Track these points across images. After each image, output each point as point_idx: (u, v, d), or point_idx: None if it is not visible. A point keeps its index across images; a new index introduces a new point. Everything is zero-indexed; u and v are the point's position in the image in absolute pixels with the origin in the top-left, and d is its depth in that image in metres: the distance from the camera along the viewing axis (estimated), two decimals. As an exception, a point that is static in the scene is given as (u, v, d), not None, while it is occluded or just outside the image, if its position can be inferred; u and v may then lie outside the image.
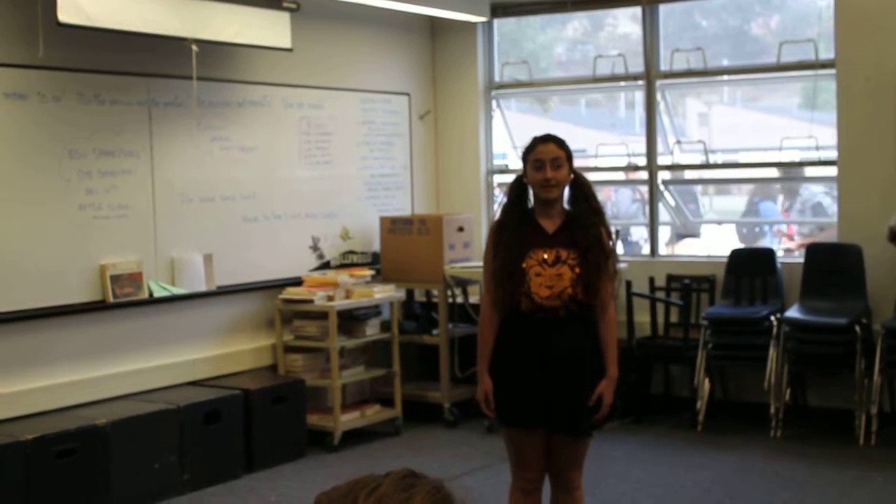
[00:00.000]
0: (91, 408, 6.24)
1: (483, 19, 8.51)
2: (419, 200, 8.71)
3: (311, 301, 7.23)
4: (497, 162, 8.94)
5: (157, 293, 6.68)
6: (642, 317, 7.88)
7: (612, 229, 4.73)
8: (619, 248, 8.62)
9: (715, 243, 8.54)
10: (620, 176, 8.91)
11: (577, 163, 4.61)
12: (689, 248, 8.62)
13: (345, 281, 7.45)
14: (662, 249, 8.40)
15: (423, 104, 8.78)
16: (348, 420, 7.35)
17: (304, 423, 7.10)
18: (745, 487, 6.25)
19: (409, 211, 8.53)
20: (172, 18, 6.30)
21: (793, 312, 7.29)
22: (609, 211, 8.95)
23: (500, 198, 8.44)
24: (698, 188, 8.80)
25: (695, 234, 8.69)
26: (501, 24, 8.88)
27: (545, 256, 4.39)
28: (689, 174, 8.55)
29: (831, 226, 7.80)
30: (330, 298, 7.26)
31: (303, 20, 7.32)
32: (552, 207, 4.48)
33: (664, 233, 8.49)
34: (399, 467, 1.37)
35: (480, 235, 8.08)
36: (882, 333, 6.97)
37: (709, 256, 8.22)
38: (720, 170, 8.53)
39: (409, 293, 8.29)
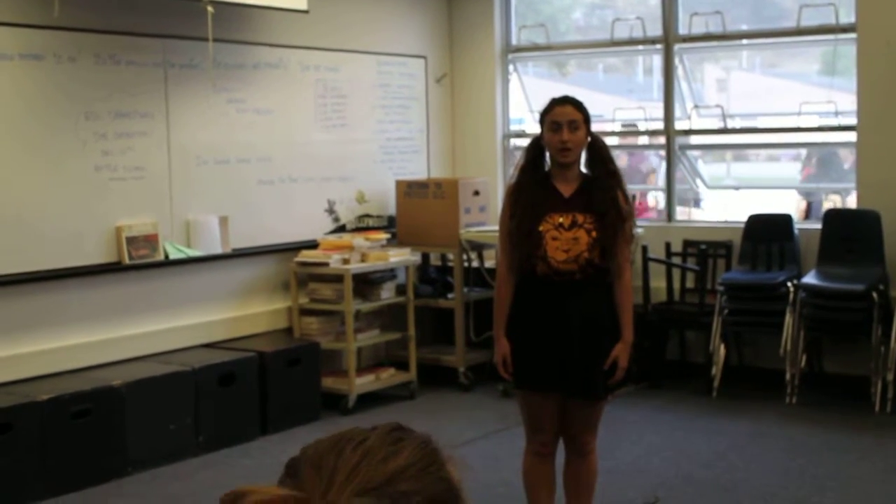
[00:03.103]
0: (106, 369, 6.27)
1: (501, -18, 8.46)
2: (435, 164, 8.69)
3: (326, 264, 7.23)
4: (513, 126, 8.90)
5: (173, 255, 6.69)
6: (658, 282, 7.86)
7: (630, 193, 4.70)
8: (651, 213, 8.59)
9: (733, 209, 8.49)
10: (637, 141, 8.85)
11: (595, 127, 4.57)
12: (705, 214, 8.57)
13: (360, 244, 7.44)
14: (664, 216, 8.38)
15: (440, 67, 8.74)
16: (363, 383, 7.36)
17: (318, 386, 7.11)
18: (760, 453, 6.25)
19: (425, 175, 8.51)
20: (188, -21, 6.27)
21: (810, 279, 7.25)
22: (636, 176, 8.93)
23: (517, 160, 8.39)
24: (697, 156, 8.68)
25: (696, 203, 8.66)
26: (519, -13, 8.83)
27: (561, 220, 4.37)
28: (706, 139, 8.48)
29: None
30: (345, 262, 7.26)
31: (319, -18, 7.28)
32: (568, 170, 4.45)
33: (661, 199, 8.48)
34: (386, 422, 1.36)
35: (496, 199, 8.05)
36: (899, 300, 6.95)
37: (725, 222, 8.18)
38: (738, 135, 8.47)
39: (425, 257, 8.28)
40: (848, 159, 8.03)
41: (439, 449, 1.30)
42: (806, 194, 8.44)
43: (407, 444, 1.27)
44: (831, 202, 8.16)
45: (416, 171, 8.46)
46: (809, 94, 8.10)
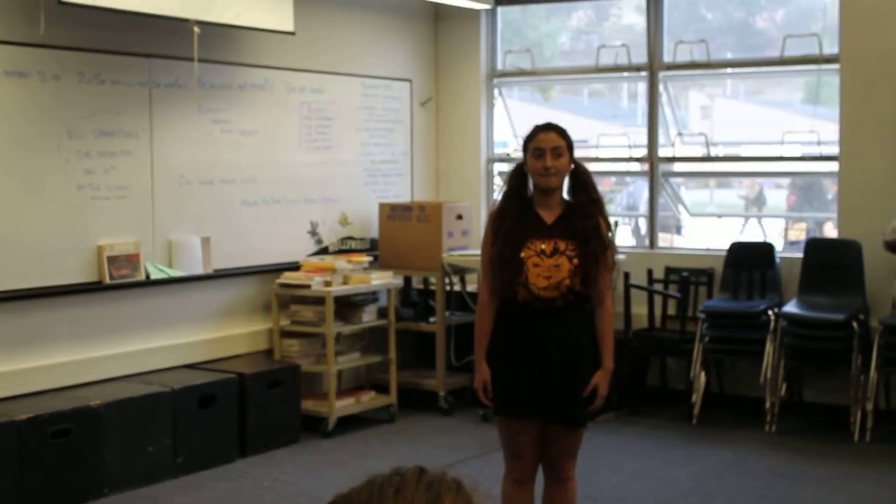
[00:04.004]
0: (86, 389, 6.23)
1: (487, 7, 8.48)
2: (419, 187, 8.69)
3: (308, 286, 7.22)
4: (498, 150, 8.92)
5: (154, 275, 6.66)
6: (640, 309, 7.87)
7: (612, 220, 4.71)
8: (629, 240, 8.60)
9: (713, 237, 8.53)
10: (621, 167, 8.87)
11: (578, 153, 4.58)
12: (687, 241, 8.60)
13: (342, 267, 7.43)
14: (644, 242, 8.41)
15: (425, 91, 8.75)
16: (343, 406, 7.34)
17: (298, 409, 7.09)
18: (739, 481, 6.25)
19: (409, 198, 8.51)
20: (174, -1, 6.27)
21: (791, 307, 7.27)
22: (625, 202, 8.96)
23: (500, 186, 8.42)
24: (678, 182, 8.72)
25: (678, 230, 8.70)
26: (505, 12, 8.85)
27: (543, 247, 4.37)
28: (689, 166, 8.52)
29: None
30: (327, 284, 7.25)
31: (306, 3, 7.30)
32: (551, 197, 4.46)
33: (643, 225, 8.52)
34: (410, 465, 1.34)
35: (479, 223, 8.06)
36: (879, 330, 6.96)
37: (707, 249, 8.20)
38: (721, 163, 8.50)
39: (407, 280, 8.28)
40: (831, 189, 8.07)
41: (468, 489, 1.31)
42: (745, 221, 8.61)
43: (443, 491, 1.27)
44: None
45: (400, 194, 8.46)
46: (793, 123, 8.14)
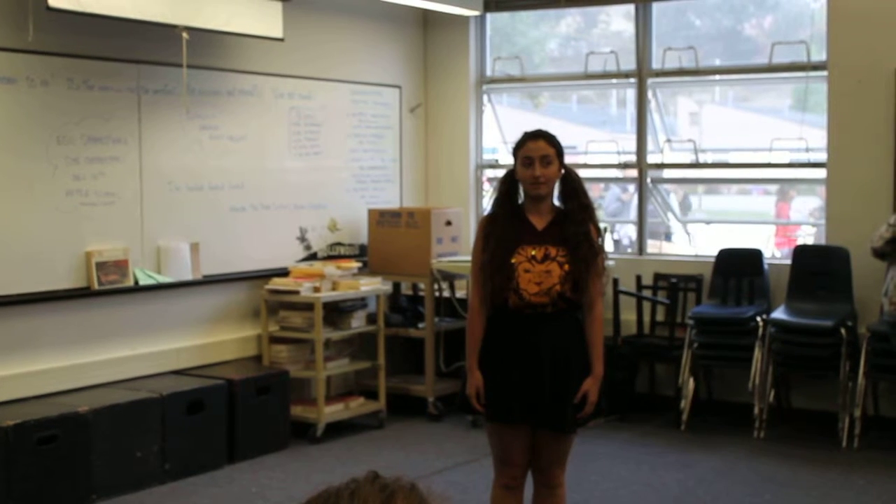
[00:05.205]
0: (73, 395, 6.21)
1: (476, 13, 8.49)
2: (408, 193, 8.69)
3: (297, 292, 7.21)
4: (487, 157, 8.92)
5: (143, 281, 6.65)
6: (629, 315, 7.88)
7: (602, 226, 4.72)
8: (609, 246, 8.62)
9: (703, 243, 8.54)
10: (610, 173, 8.88)
11: (567, 160, 4.58)
12: (675, 248, 8.61)
13: (331, 272, 7.43)
14: (624, 248, 8.43)
15: (414, 97, 8.76)
16: (332, 412, 7.33)
17: (287, 415, 7.08)
18: (728, 487, 6.25)
19: (398, 204, 8.51)
20: (163, 5, 6.27)
21: (779, 314, 7.29)
22: (610, 208, 8.97)
23: (491, 192, 8.44)
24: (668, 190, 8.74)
25: (667, 237, 8.72)
26: (494, 19, 8.86)
27: (534, 253, 4.37)
28: (678, 173, 8.53)
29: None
30: (316, 290, 7.24)
31: (295, 10, 7.29)
32: (541, 203, 4.47)
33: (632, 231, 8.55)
34: (362, 473, 1.37)
35: (469, 230, 8.07)
36: (867, 336, 6.98)
37: (696, 256, 8.21)
38: (709, 169, 8.52)
39: (396, 286, 8.27)
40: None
41: (422, 490, 1.32)
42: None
43: (397, 490, 1.29)
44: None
45: (389, 200, 8.46)
46: (781, 129, 8.16)
